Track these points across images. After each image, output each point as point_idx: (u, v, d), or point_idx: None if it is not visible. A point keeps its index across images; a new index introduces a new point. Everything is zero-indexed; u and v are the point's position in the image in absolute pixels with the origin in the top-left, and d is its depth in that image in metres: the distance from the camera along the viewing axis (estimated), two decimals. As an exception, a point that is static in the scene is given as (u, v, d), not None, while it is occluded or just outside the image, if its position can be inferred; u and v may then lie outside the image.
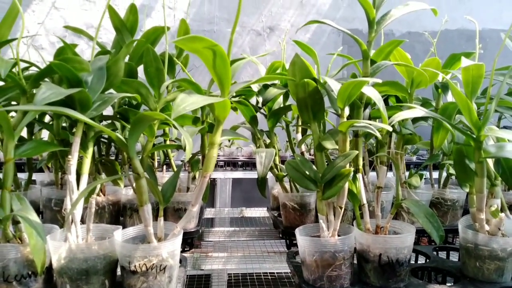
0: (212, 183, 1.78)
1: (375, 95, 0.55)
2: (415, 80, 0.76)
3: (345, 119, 0.54)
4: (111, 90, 0.61)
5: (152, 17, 2.02)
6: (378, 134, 0.54)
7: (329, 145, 0.56)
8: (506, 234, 0.56)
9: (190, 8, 2.02)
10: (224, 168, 1.82)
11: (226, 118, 0.49)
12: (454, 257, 0.71)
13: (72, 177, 0.49)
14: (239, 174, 1.76)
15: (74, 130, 0.66)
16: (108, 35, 1.86)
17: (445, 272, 0.61)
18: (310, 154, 1.48)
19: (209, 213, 1.20)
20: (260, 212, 1.20)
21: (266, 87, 0.86)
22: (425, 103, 0.88)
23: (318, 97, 0.58)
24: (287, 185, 0.85)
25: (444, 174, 0.87)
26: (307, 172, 0.55)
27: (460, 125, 0.67)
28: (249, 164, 1.81)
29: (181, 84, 0.66)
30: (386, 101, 0.84)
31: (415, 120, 0.80)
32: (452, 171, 0.80)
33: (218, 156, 1.91)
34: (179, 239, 0.51)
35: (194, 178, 0.94)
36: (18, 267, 0.46)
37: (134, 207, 0.79)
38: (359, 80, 0.51)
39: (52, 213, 0.77)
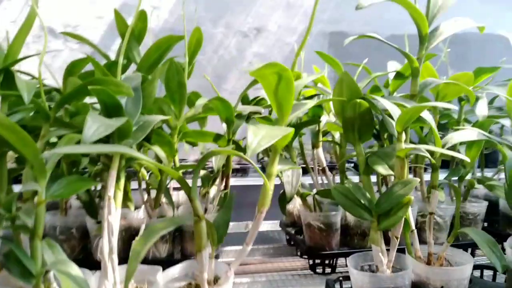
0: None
1: (430, 118, 0.52)
2: (440, 93, 0.73)
3: (402, 144, 0.51)
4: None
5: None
6: (431, 158, 0.51)
7: (382, 170, 0.53)
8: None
9: (174, 7, 1.93)
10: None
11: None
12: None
13: (114, 218, 0.43)
14: (231, 181, 1.71)
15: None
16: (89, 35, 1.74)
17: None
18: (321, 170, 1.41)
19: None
20: (265, 225, 1.16)
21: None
22: (443, 115, 0.86)
23: (368, 118, 0.54)
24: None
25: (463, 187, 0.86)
26: (361, 201, 0.51)
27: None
28: (240, 170, 1.76)
29: (212, 103, 0.60)
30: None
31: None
32: (478, 186, 0.79)
33: (207, 161, 1.84)
34: (231, 282, 0.46)
35: (205, 194, 0.89)
36: (52, 325, 0.40)
37: (149, 232, 0.72)
38: (422, 105, 0.48)
39: (58, 243, 0.69)
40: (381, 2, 0.55)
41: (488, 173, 0.95)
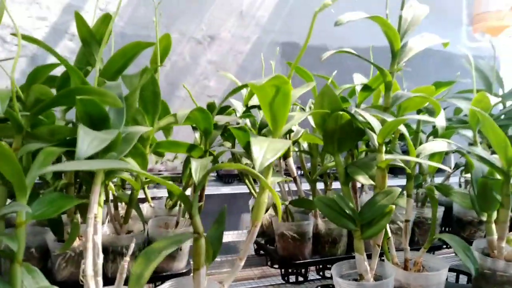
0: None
1: (405, 130, 0.55)
2: (402, 105, 0.77)
3: (383, 155, 0.53)
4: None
5: (80, 19, 1.82)
6: (407, 168, 0.54)
7: (363, 179, 0.54)
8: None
9: (122, 11, 1.86)
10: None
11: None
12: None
13: (98, 238, 0.40)
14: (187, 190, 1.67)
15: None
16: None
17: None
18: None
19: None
20: (228, 236, 1.14)
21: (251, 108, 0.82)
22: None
23: (348, 130, 0.56)
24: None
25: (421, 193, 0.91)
26: (346, 211, 0.52)
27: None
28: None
29: (192, 113, 0.59)
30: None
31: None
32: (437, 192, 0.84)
33: (160, 171, 1.79)
34: (223, 299, 0.44)
35: (172, 207, 0.86)
36: None
37: (117, 250, 0.68)
38: (401, 118, 0.51)
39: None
40: (353, 20, 0.58)
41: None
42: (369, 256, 0.55)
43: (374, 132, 0.53)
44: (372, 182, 0.54)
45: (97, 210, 0.41)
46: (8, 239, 0.32)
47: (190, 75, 1.99)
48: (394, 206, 0.51)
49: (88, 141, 0.33)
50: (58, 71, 0.67)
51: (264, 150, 0.36)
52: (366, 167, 0.56)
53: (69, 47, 1.82)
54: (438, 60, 2.58)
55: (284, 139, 0.42)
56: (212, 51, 2.04)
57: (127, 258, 0.40)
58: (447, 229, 1.01)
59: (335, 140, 0.57)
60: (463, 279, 0.71)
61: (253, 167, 0.37)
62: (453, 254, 0.95)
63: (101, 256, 0.40)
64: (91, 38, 0.71)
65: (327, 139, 0.57)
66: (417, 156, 0.57)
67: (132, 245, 0.40)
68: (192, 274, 0.40)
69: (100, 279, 0.41)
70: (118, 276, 0.41)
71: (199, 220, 0.39)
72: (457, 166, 1.09)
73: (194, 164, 0.55)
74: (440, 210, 0.89)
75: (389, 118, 0.55)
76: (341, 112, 0.54)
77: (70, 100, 0.42)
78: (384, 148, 0.53)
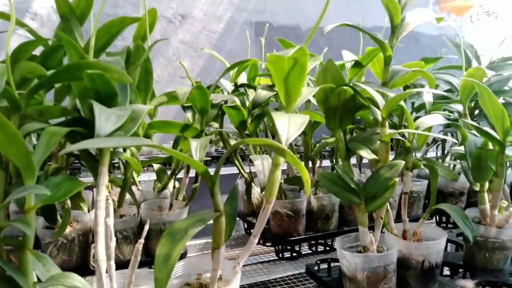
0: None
1: (404, 105, 0.56)
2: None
3: (386, 129, 0.53)
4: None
5: (42, -4, 1.71)
6: (407, 142, 0.55)
7: (366, 154, 0.55)
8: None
9: (90, -12, 1.77)
10: (146, 168, 1.67)
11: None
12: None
13: (111, 221, 0.38)
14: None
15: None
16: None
17: (450, 264, 0.65)
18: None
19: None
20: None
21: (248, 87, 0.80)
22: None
23: (351, 105, 0.55)
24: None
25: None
26: (351, 185, 0.53)
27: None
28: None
29: (193, 93, 0.56)
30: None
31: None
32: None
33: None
34: (239, 277, 0.44)
35: (161, 189, 0.84)
36: None
37: (111, 234, 0.65)
38: (404, 93, 0.51)
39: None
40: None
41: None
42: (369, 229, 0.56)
43: (378, 107, 0.53)
44: (375, 156, 0.54)
45: (102, 192, 0.39)
46: (22, 224, 0.30)
47: (162, 55, 1.93)
48: (397, 179, 0.52)
49: (105, 117, 0.31)
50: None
51: (287, 125, 0.35)
52: (368, 141, 0.56)
53: (32, 26, 1.71)
54: (406, 39, 2.63)
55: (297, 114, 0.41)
56: (184, 31, 1.98)
57: (142, 240, 0.39)
58: (428, 201, 1.05)
59: (337, 115, 0.57)
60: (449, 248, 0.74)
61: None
62: (434, 225, 0.99)
63: (114, 239, 0.39)
64: (71, 14, 0.67)
65: (329, 115, 0.57)
66: (416, 129, 0.58)
67: (147, 227, 0.39)
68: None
69: (113, 263, 0.39)
70: (132, 259, 0.39)
71: (220, 198, 0.38)
72: (434, 141, 1.13)
73: (194, 144, 0.53)
74: (425, 184, 0.92)
75: (390, 93, 0.55)
76: (344, 88, 0.53)
77: (70, 76, 0.40)
78: (387, 123, 0.54)
